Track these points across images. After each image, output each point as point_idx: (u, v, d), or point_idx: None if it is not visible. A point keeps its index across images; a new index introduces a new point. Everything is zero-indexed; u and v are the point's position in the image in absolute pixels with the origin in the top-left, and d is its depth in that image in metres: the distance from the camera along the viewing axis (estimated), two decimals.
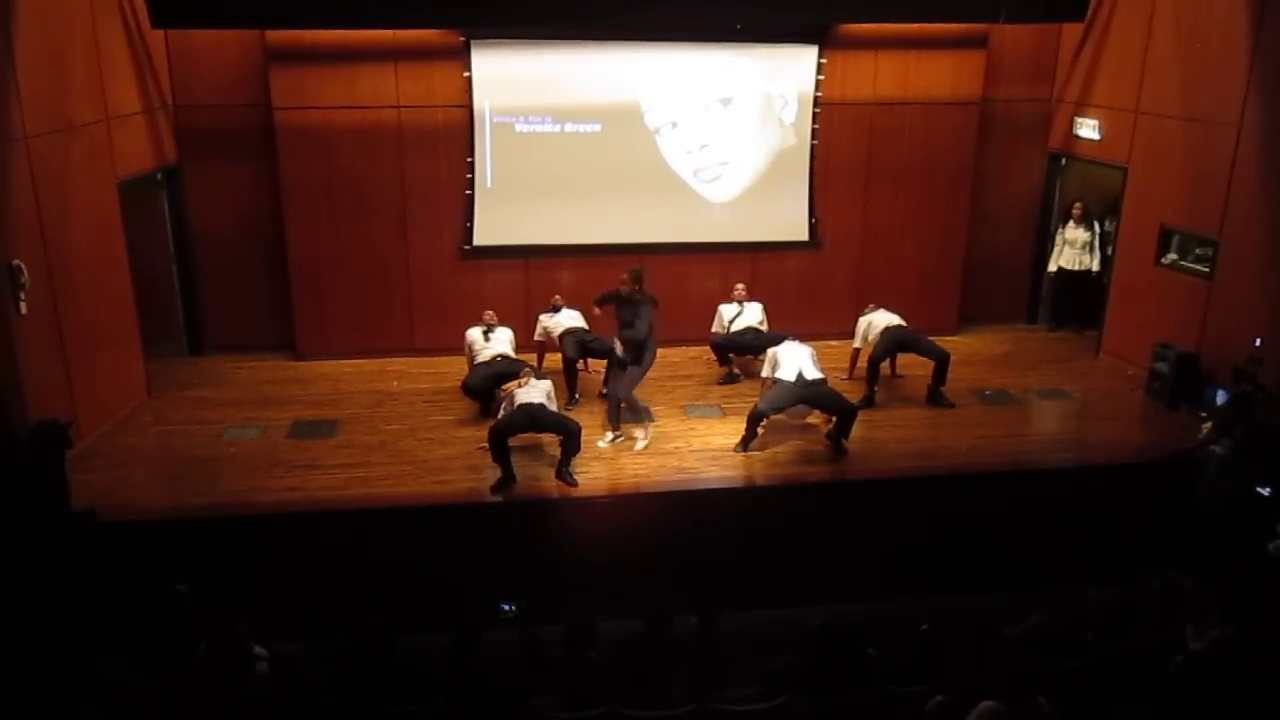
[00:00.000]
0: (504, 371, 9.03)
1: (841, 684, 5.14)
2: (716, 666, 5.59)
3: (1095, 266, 11.13)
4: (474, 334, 9.43)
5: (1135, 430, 9.25)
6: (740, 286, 9.88)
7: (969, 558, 7.54)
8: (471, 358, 9.36)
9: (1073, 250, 11.19)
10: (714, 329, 9.99)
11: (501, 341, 9.36)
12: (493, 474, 7.99)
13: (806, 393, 8.46)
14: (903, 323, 9.61)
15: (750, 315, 9.99)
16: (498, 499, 7.83)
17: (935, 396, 9.53)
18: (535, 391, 8.19)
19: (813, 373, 8.47)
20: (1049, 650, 5.35)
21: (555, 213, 10.52)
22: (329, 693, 5.31)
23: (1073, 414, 9.69)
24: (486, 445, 8.03)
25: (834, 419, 8.61)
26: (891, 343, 9.51)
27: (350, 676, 5.36)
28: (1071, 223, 11.19)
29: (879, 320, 9.61)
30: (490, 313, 9.56)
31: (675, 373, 9.18)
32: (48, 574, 6.41)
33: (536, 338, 9.76)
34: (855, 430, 8.83)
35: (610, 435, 8.69)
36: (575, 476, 7.99)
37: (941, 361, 9.47)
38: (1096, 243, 11.13)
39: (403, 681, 5.41)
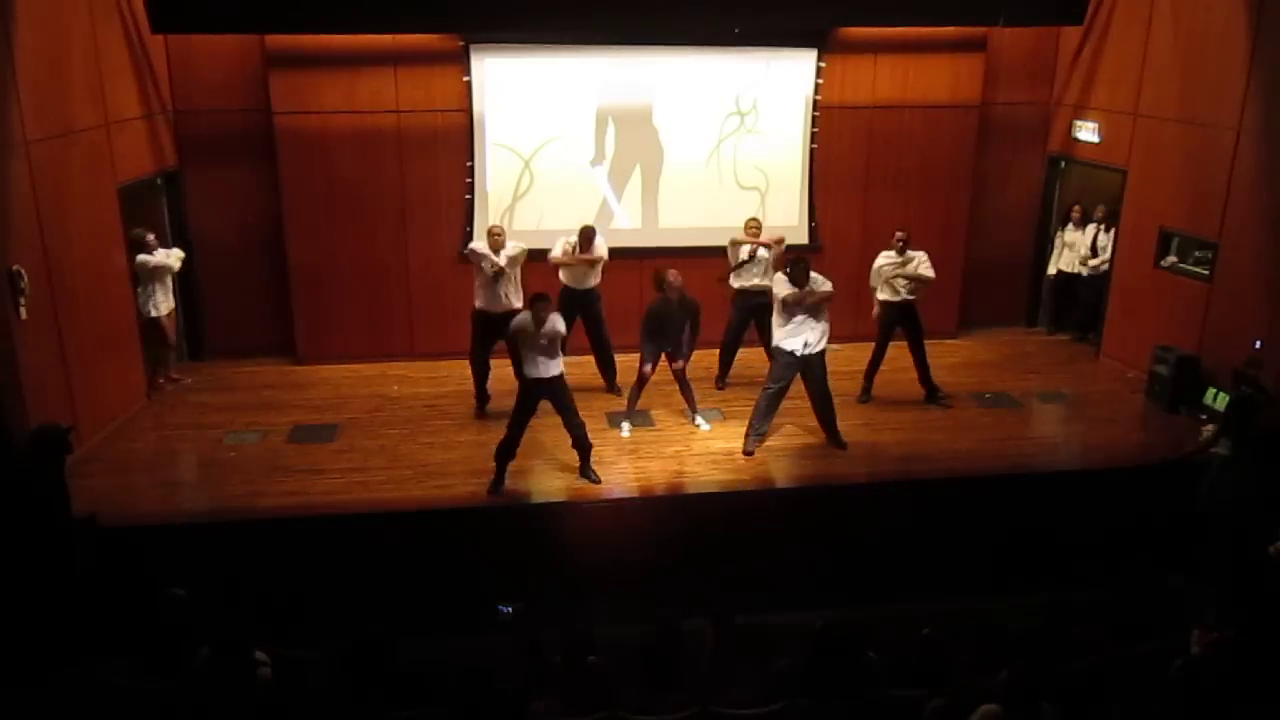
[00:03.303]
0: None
1: (841, 688, 5.14)
2: (730, 671, 5.58)
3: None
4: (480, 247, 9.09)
5: (1135, 433, 9.25)
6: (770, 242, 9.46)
7: (969, 561, 7.53)
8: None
9: (1072, 253, 11.20)
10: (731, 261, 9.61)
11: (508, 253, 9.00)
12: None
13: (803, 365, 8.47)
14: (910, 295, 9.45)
15: (758, 271, 9.51)
16: (494, 501, 7.85)
17: (930, 391, 9.63)
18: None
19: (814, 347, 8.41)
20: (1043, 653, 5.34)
21: (555, 216, 10.53)
22: (330, 698, 5.30)
23: (1073, 417, 9.69)
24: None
25: (817, 409, 8.65)
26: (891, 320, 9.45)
27: (351, 681, 5.35)
28: (1071, 225, 11.20)
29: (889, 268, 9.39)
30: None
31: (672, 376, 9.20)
32: (49, 579, 6.41)
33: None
34: (856, 434, 8.86)
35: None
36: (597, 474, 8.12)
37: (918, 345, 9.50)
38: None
39: (404, 686, 5.41)
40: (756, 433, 8.64)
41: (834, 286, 8.51)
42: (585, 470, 8.11)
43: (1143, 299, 10.25)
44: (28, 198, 7.73)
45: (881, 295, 9.51)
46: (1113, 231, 10.74)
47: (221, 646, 5.27)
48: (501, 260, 8.93)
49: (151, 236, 9.48)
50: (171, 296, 9.75)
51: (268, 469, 8.31)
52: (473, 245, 9.26)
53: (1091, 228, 11.01)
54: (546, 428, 8.45)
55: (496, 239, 9.03)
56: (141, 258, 9.36)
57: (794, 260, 8.49)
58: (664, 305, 8.69)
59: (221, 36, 9.79)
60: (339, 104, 10.07)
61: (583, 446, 8.10)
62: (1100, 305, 10.88)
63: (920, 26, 10.50)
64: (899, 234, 9.36)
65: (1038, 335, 11.67)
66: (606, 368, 9.85)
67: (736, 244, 9.52)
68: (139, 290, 9.42)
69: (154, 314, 9.54)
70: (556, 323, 7.87)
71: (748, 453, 8.58)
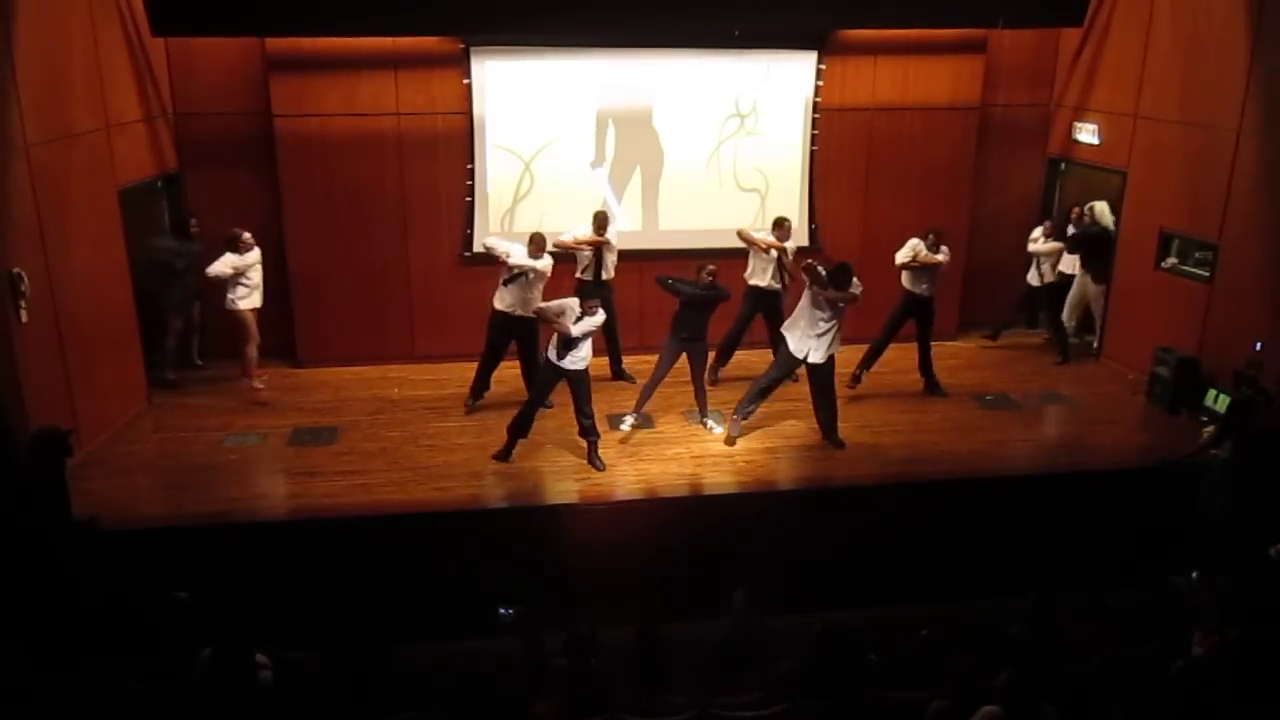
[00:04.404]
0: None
1: (842, 690, 5.14)
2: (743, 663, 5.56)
3: None
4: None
5: (1136, 435, 9.25)
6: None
7: (969, 563, 7.53)
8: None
9: (1072, 256, 11.17)
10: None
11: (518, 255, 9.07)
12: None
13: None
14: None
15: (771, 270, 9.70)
16: (493, 503, 7.87)
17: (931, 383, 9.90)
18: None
19: (817, 357, 8.54)
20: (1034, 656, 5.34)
21: (555, 219, 10.52)
22: (331, 701, 5.30)
23: (1073, 419, 9.68)
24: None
25: (817, 405, 8.72)
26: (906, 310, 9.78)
27: (352, 684, 5.35)
28: (1071, 227, 11.16)
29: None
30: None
31: (676, 378, 9.20)
32: (49, 582, 6.41)
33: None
34: (856, 435, 8.86)
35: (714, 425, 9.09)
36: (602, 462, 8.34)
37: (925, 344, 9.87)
38: None
39: (405, 689, 5.41)
40: (742, 413, 8.74)
41: (859, 302, 8.63)
42: (591, 458, 8.31)
43: (1143, 301, 10.25)
44: (28, 200, 7.73)
45: (905, 284, 9.74)
46: (1054, 243, 10.62)
47: (223, 649, 5.27)
48: (537, 264, 8.92)
49: (248, 235, 9.41)
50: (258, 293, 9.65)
51: (268, 472, 8.32)
52: (489, 241, 9.17)
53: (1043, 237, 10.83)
54: (547, 431, 8.46)
55: (539, 246, 8.98)
56: (226, 255, 9.32)
57: (838, 266, 8.57)
58: (691, 288, 8.79)
59: (222, 39, 9.79)
60: (339, 107, 10.07)
61: (590, 436, 8.30)
62: (1056, 313, 10.90)
63: (920, 28, 10.50)
64: (930, 234, 9.63)
65: (1038, 337, 11.65)
66: (614, 356, 10.12)
67: (749, 241, 9.65)
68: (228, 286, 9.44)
69: (234, 306, 9.50)
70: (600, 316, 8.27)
71: (729, 440, 8.70)
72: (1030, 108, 11.43)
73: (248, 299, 9.49)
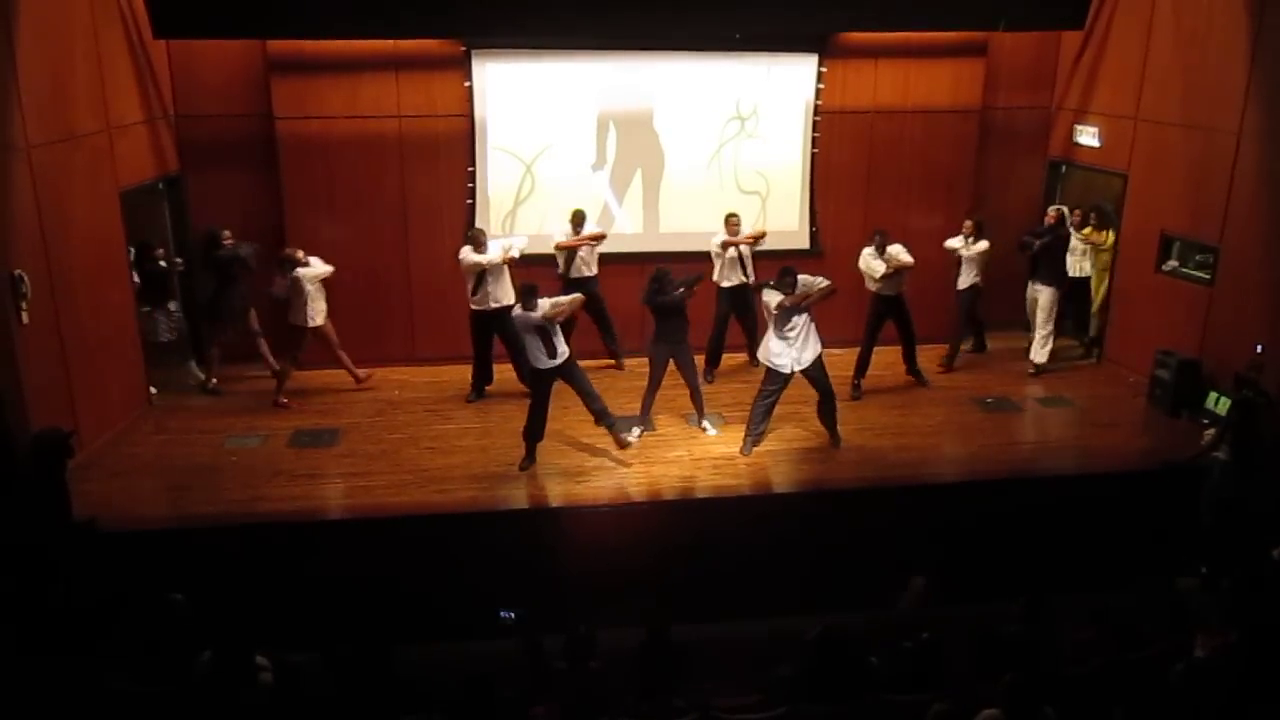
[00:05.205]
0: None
1: (842, 693, 5.14)
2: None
3: None
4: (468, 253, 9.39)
5: (1137, 437, 9.24)
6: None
7: (970, 566, 7.51)
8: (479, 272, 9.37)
9: (1073, 258, 11.15)
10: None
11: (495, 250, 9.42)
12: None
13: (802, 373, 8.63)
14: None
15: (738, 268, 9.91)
16: (493, 506, 7.86)
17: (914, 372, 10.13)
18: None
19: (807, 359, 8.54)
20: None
21: (557, 221, 10.52)
22: (331, 703, 5.30)
23: (1074, 421, 9.67)
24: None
25: (820, 403, 8.75)
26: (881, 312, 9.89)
27: (351, 686, 5.35)
28: (1071, 230, 11.16)
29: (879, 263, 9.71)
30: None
31: (675, 380, 9.20)
32: (49, 583, 6.41)
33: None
34: (856, 438, 8.86)
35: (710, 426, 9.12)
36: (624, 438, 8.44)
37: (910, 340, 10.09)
38: None
39: (403, 691, 5.40)
40: (753, 435, 8.72)
41: (837, 292, 8.57)
42: (617, 439, 8.37)
43: (1144, 303, 10.24)
44: (29, 202, 7.73)
45: (872, 288, 9.84)
46: (984, 243, 10.35)
47: (223, 651, 5.26)
48: (495, 258, 9.30)
49: (301, 253, 9.51)
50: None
51: (269, 473, 8.31)
52: (464, 258, 9.38)
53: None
54: (547, 433, 8.44)
55: (480, 241, 9.42)
56: (300, 271, 9.39)
57: (782, 270, 8.55)
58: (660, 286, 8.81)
59: (223, 42, 9.80)
60: (340, 109, 10.08)
61: (605, 420, 8.33)
62: (965, 319, 10.71)
63: (921, 31, 10.51)
64: (876, 235, 9.78)
65: (1025, 339, 11.61)
66: (611, 343, 10.27)
67: (726, 246, 9.80)
68: (296, 300, 9.51)
69: (314, 322, 9.54)
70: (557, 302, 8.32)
71: (744, 452, 8.67)
72: (1031, 110, 11.44)
73: (322, 313, 9.64)
